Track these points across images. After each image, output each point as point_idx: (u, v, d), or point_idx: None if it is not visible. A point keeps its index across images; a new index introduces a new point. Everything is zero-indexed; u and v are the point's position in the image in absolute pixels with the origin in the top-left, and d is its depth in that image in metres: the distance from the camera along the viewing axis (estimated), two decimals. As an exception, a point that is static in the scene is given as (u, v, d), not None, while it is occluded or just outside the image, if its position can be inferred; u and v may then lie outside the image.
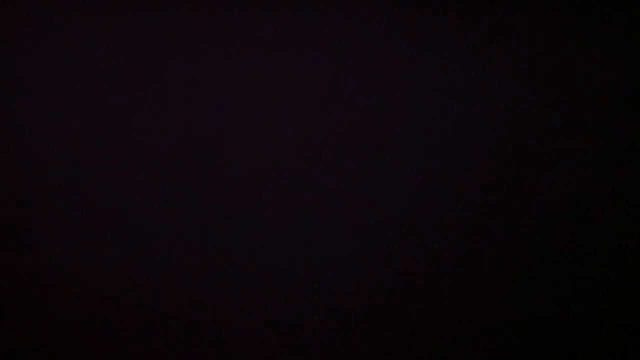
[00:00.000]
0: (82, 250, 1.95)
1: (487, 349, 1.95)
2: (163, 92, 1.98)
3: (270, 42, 1.98)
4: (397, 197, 1.96)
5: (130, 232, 1.96)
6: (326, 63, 1.98)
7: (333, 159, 1.96)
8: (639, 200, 1.96)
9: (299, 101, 1.97)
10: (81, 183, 1.96)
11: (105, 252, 1.95)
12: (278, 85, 1.98)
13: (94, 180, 1.96)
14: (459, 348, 1.95)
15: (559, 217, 1.96)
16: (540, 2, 1.98)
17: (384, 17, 1.98)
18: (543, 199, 1.96)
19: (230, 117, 1.97)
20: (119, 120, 1.97)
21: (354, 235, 1.96)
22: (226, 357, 1.95)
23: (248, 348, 1.95)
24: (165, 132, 1.97)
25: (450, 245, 1.95)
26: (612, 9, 1.97)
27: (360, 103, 1.97)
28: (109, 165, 1.97)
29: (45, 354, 1.95)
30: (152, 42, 1.98)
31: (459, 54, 1.98)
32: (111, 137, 1.97)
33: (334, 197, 1.96)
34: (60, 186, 1.96)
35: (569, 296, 1.95)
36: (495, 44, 1.98)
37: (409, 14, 1.98)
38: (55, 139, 1.97)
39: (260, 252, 1.96)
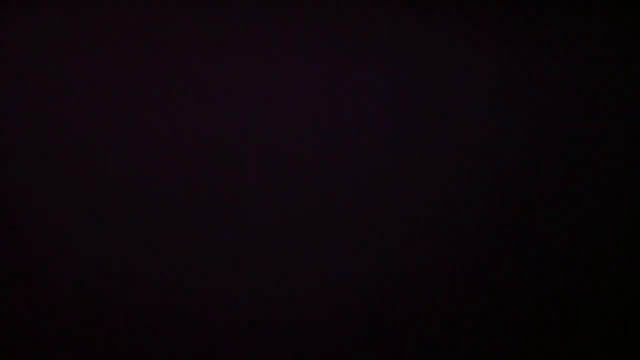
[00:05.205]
0: (82, 250, 1.95)
1: (487, 349, 1.95)
2: (164, 92, 1.98)
3: (272, 42, 1.98)
4: (397, 198, 1.96)
5: (130, 232, 1.96)
6: (326, 64, 1.98)
7: (334, 159, 1.96)
8: (638, 201, 1.96)
9: (298, 102, 1.97)
10: (81, 183, 1.96)
11: (107, 252, 1.95)
12: (279, 86, 1.98)
13: (94, 180, 1.96)
14: (458, 348, 1.95)
15: (558, 218, 1.96)
16: (540, 2, 1.98)
17: (384, 17, 1.98)
18: (542, 200, 1.96)
19: (230, 118, 1.97)
20: (119, 121, 1.97)
21: (354, 236, 1.96)
22: (225, 357, 1.95)
23: (248, 348, 1.95)
24: (165, 132, 1.97)
25: (449, 245, 1.95)
26: (612, 9, 1.97)
27: (360, 104, 1.97)
28: (109, 165, 1.97)
29: (45, 354, 1.95)
30: (153, 43, 1.98)
31: (459, 54, 1.98)
32: (111, 137, 1.97)
33: (334, 197, 1.96)
34: (62, 186, 1.96)
35: (566, 297, 1.95)
36: (495, 44, 1.98)
37: (409, 14, 1.98)
38: (56, 140, 1.97)
39: (261, 252, 1.96)
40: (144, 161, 1.96)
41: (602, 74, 1.97)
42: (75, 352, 1.95)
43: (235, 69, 1.97)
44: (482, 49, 1.97)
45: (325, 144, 1.96)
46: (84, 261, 1.95)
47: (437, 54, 1.97)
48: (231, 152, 1.96)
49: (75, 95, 1.97)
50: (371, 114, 1.97)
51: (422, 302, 1.95)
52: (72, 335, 1.95)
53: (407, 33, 1.98)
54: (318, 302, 1.95)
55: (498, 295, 1.95)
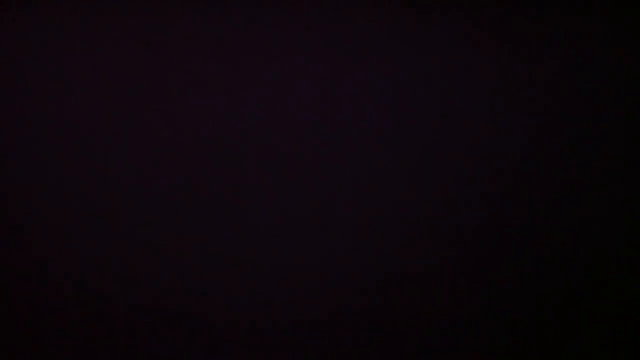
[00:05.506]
0: (82, 250, 1.95)
1: (487, 349, 1.95)
2: (164, 92, 1.98)
3: (272, 42, 1.98)
4: (397, 198, 1.96)
5: (130, 232, 1.96)
6: (326, 64, 1.98)
7: (334, 159, 1.96)
8: (638, 202, 1.96)
9: (298, 102, 1.97)
10: (81, 183, 1.96)
11: (107, 252, 1.95)
12: (279, 86, 1.98)
13: (94, 180, 1.96)
14: (458, 348, 1.95)
15: (558, 218, 1.96)
16: (540, 2, 1.98)
17: (384, 17, 1.98)
18: (542, 200, 1.96)
19: (230, 118, 1.97)
20: (119, 121, 1.97)
21: (354, 236, 1.96)
22: (225, 357, 1.95)
23: (248, 348, 1.95)
24: (165, 132, 1.97)
25: (449, 245, 1.95)
26: (612, 9, 1.97)
27: (360, 104, 1.97)
28: (109, 165, 1.97)
29: (45, 354, 1.95)
30: (153, 43, 1.98)
31: (459, 54, 1.98)
32: (111, 137, 1.97)
33: (334, 197, 1.96)
34: (62, 186, 1.96)
35: (567, 297, 1.95)
36: (495, 44, 1.98)
37: (409, 14, 1.98)
38: (56, 140, 1.97)
39: (261, 252, 1.96)
40: (144, 161, 1.96)
41: (602, 74, 1.97)
42: (75, 352, 1.95)
43: (235, 69, 1.97)
44: (482, 49, 1.97)
45: (325, 144, 1.96)
46: (84, 261, 1.95)
47: (437, 54, 1.97)
48: (231, 152, 1.96)
49: (75, 95, 1.97)
50: (371, 114, 1.97)
51: (422, 302, 1.95)
52: (72, 335, 1.95)
53: (407, 33, 1.98)
54: (318, 302, 1.95)
55: (498, 295, 1.95)
